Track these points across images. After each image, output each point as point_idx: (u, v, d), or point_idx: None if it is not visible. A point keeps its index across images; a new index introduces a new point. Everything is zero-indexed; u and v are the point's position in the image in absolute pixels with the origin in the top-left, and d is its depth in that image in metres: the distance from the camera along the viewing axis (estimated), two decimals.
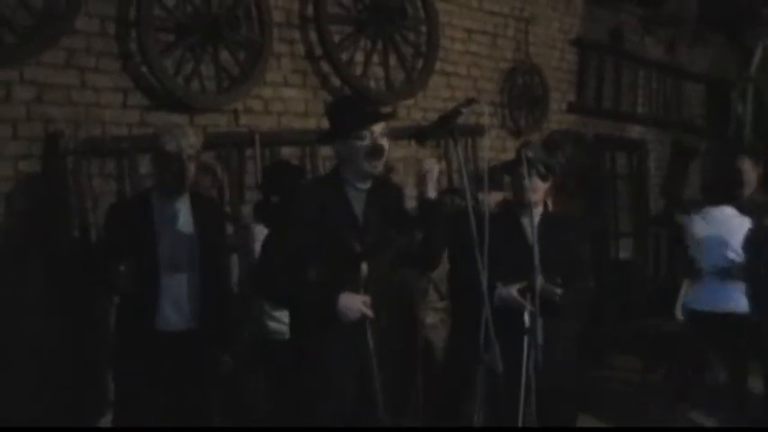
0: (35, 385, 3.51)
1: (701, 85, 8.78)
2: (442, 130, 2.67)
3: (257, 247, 3.31)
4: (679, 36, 8.19)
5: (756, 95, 8.35)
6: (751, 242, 4.22)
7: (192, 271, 3.17)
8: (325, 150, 4.50)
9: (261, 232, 3.36)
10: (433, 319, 4.16)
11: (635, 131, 7.62)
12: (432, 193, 2.72)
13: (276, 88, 4.58)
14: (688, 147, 7.83)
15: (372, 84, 5.04)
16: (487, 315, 2.51)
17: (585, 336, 3.66)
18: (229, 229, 3.89)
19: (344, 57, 4.85)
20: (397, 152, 4.78)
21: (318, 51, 4.77)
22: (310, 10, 4.72)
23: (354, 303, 2.54)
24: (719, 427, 4.43)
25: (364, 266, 2.59)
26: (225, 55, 4.24)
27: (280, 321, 3.36)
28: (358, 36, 4.93)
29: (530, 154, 3.06)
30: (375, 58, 5.03)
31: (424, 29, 5.30)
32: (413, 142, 4.20)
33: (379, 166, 2.65)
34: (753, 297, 4.18)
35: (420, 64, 5.28)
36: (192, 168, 3.16)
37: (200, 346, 3.18)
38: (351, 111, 2.66)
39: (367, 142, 2.59)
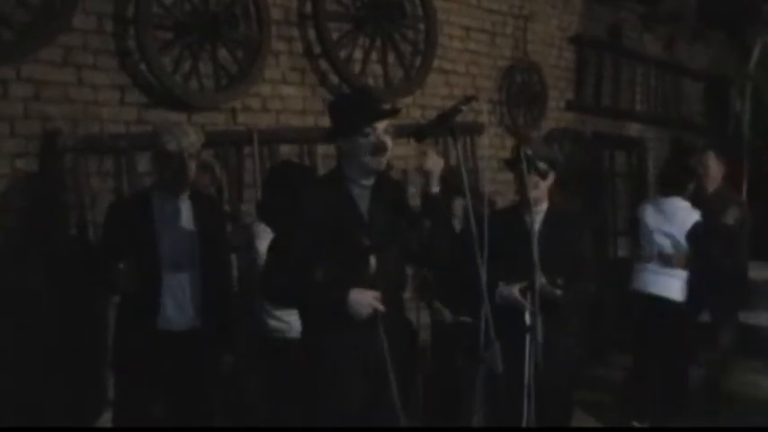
0: (35, 385, 3.50)
1: (700, 83, 8.78)
2: (441, 128, 2.67)
3: (259, 245, 3.30)
4: (678, 33, 8.18)
5: (755, 93, 8.37)
6: (695, 235, 4.37)
7: (193, 270, 3.16)
8: (324, 148, 4.49)
9: (263, 231, 3.35)
10: (431, 318, 4.15)
11: (634, 129, 7.60)
12: (435, 188, 2.70)
13: (274, 86, 4.57)
14: (688, 146, 7.82)
15: (371, 81, 5.03)
16: (487, 313, 2.50)
17: (585, 335, 3.65)
18: (228, 227, 3.88)
19: (343, 54, 4.84)
20: (395, 150, 4.74)
21: (317, 49, 4.76)
22: (308, 7, 4.70)
23: (365, 298, 2.52)
24: (716, 427, 4.43)
25: (373, 261, 2.58)
26: (223, 53, 4.22)
27: (280, 320, 3.35)
28: (356, 34, 4.92)
29: (529, 151, 3.05)
30: (373, 56, 5.02)
31: (422, 26, 5.28)
32: (412, 140, 4.18)
33: (383, 163, 2.64)
34: (691, 288, 4.44)
35: (418, 62, 5.26)
36: (192, 167, 3.16)
37: (201, 345, 3.18)
38: (354, 108, 2.65)
39: (371, 139, 2.59)
